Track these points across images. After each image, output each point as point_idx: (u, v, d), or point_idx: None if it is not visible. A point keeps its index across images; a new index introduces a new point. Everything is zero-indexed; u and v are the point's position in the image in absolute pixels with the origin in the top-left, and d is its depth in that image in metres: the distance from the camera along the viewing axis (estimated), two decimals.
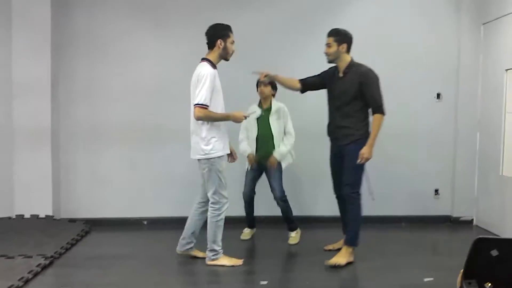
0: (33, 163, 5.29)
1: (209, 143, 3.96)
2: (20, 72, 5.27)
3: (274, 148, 4.70)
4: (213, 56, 4.02)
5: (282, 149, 4.70)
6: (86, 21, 5.48)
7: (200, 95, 3.86)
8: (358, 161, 4.00)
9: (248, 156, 4.73)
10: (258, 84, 4.71)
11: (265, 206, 4.97)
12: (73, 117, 5.50)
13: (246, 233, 4.94)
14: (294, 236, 4.82)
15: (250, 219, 4.92)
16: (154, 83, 5.52)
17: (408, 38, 5.56)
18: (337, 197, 4.36)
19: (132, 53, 5.51)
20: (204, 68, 3.92)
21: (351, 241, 4.12)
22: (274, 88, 4.74)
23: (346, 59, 4.15)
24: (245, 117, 4.10)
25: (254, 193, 4.82)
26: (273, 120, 4.71)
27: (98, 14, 5.49)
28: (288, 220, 4.81)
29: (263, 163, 4.75)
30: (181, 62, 5.48)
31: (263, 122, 4.73)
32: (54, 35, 5.35)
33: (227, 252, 4.17)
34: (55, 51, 5.37)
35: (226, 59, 4.07)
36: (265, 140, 4.72)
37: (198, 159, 4.04)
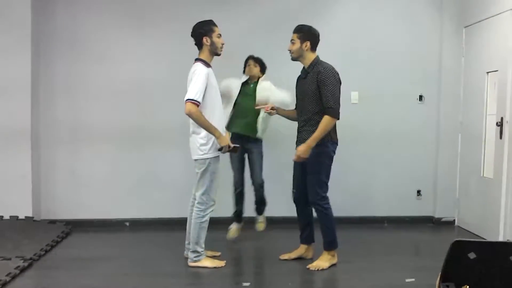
0: (12, 163, 5.19)
1: (208, 143, 3.93)
2: None
3: (256, 121, 4.55)
4: (204, 55, 4.00)
5: (285, 95, 4.52)
6: (67, 19, 5.40)
7: (192, 91, 3.80)
8: (293, 158, 3.94)
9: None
10: (247, 63, 4.68)
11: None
12: (53, 116, 5.42)
13: (233, 229, 4.81)
14: (262, 221, 4.87)
15: (239, 210, 4.79)
16: (136, 82, 5.46)
17: (390, 40, 5.59)
18: (294, 201, 4.23)
19: (113, 52, 5.45)
20: (198, 67, 3.91)
21: (330, 246, 4.06)
22: (263, 71, 4.71)
23: (310, 57, 3.99)
24: (229, 147, 3.95)
25: (244, 178, 4.75)
26: (260, 90, 4.59)
27: (79, 12, 5.41)
28: (261, 203, 4.79)
29: (244, 140, 4.58)
30: (164, 61, 5.46)
31: (246, 92, 4.63)
32: (35, 33, 5.27)
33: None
34: (35, 50, 5.29)
35: (218, 54, 4.03)
36: (245, 112, 4.59)
37: (195, 159, 4.00)
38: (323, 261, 4.04)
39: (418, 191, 5.73)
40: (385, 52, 5.58)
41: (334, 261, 4.09)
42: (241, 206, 4.81)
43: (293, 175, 4.22)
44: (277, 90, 4.62)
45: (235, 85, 4.70)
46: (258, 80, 4.71)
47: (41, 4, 5.33)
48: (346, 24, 5.51)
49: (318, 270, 3.98)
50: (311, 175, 3.99)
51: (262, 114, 4.55)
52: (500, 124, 4.68)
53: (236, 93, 4.67)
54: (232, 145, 3.98)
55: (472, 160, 5.29)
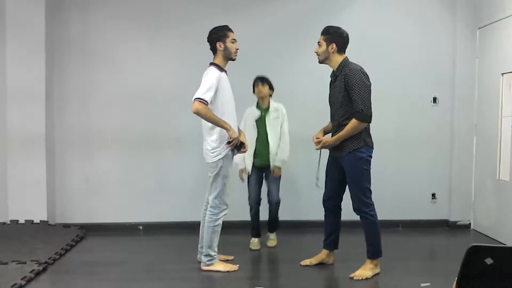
0: (27, 168, 5.25)
1: (219, 146, 3.93)
2: (14, 78, 5.24)
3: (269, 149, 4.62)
4: (218, 60, 4.02)
5: (282, 156, 4.62)
6: (81, 27, 5.46)
7: (200, 90, 3.82)
8: (317, 147, 3.92)
9: (239, 170, 4.66)
10: (255, 84, 4.66)
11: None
12: (67, 122, 5.47)
13: (255, 242, 4.81)
14: (274, 238, 4.85)
15: (257, 227, 4.82)
16: (148, 89, 5.49)
17: (404, 42, 5.56)
18: (324, 206, 4.16)
19: (126, 59, 5.49)
20: (210, 71, 3.95)
21: (374, 255, 3.94)
22: (271, 88, 4.68)
23: (336, 60, 3.87)
24: (241, 142, 3.98)
25: (261, 198, 4.76)
26: (269, 120, 4.63)
27: (92, 20, 5.47)
28: (275, 222, 4.81)
29: (263, 167, 4.69)
30: (176, 68, 5.49)
31: (261, 124, 4.65)
32: (48, 41, 5.33)
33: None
34: (49, 57, 5.35)
35: (232, 59, 4.03)
36: (264, 142, 4.64)
37: (208, 163, 4.02)
38: (366, 270, 3.91)
39: (433, 194, 5.67)
40: (398, 55, 5.54)
41: (377, 270, 3.95)
42: (258, 225, 4.82)
43: (325, 179, 4.11)
44: (285, 121, 4.67)
45: (248, 113, 4.71)
46: (269, 103, 4.67)
47: (55, 12, 5.39)
48: (357, 28, 5.44)
49: (362, 279, 3.86)
50: (352, 183, 3.88)
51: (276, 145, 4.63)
52: None
53: (251, 120, 4.66)
54: (241, 141, 3.97)
55: (488, 163, 5.22)
